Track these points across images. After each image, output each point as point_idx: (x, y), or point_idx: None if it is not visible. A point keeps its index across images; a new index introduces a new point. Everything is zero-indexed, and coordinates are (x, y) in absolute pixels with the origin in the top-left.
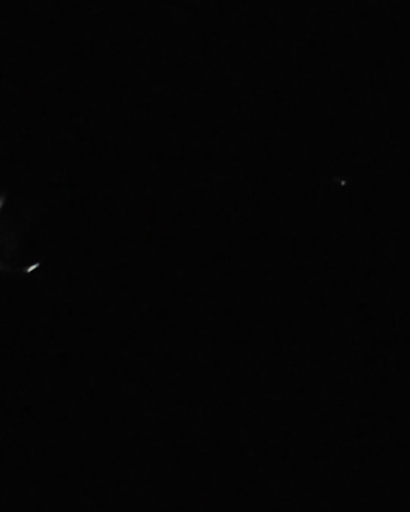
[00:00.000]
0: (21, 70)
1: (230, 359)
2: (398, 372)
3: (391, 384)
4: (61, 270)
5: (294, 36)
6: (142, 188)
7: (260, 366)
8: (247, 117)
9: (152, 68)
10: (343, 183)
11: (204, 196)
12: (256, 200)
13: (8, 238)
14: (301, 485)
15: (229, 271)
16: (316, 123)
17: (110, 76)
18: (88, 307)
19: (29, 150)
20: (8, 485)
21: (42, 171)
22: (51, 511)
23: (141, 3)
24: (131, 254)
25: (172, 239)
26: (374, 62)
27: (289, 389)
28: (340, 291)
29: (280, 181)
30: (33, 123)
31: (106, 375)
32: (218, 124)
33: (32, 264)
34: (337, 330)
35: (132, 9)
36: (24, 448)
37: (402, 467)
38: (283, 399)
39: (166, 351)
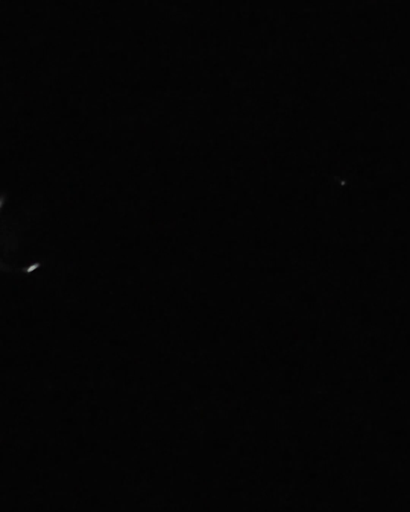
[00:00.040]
0: (21, 70)
1: (230, 359)
2: (398, 372)
3: (391, 384)
4: (61, 270)
5: (294, 36)
6: (142, 188)
7: (260, 366)
8: (247, 117)
9: (152, 68)
10: (343, 183)
11: (204, 196)
12: (256, 200)
13: (8, 238)
14: (301, 485)
15: (229, 271)
16: (316, 123)
17: (110, 76)
18: (88, 307)
19: (29, 150)
20: (8, 485)
21: (42, 171)
22: (51, 511)
23: (141, 3)
24: (131, 254)
25: (172, 239)
26: (374, 62)
27: (289, 389)
28: (340, 291)
29: (280, 181)
30: (33, 123)
31: (106, 375)
32: (218, 124)
33: (32, 264)
34: (337, 330)
35: (132, 9)
36: (24, 448)
37: (402, 467)
38: (283, 399)
39: (166, 351)
